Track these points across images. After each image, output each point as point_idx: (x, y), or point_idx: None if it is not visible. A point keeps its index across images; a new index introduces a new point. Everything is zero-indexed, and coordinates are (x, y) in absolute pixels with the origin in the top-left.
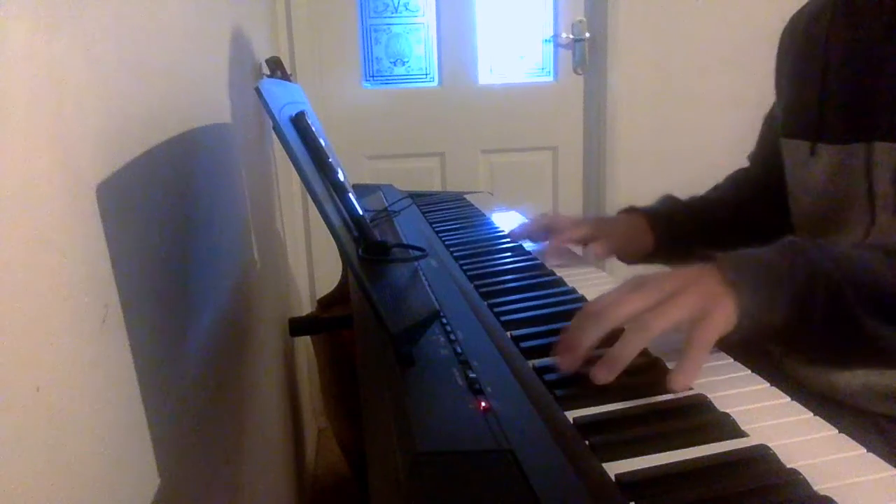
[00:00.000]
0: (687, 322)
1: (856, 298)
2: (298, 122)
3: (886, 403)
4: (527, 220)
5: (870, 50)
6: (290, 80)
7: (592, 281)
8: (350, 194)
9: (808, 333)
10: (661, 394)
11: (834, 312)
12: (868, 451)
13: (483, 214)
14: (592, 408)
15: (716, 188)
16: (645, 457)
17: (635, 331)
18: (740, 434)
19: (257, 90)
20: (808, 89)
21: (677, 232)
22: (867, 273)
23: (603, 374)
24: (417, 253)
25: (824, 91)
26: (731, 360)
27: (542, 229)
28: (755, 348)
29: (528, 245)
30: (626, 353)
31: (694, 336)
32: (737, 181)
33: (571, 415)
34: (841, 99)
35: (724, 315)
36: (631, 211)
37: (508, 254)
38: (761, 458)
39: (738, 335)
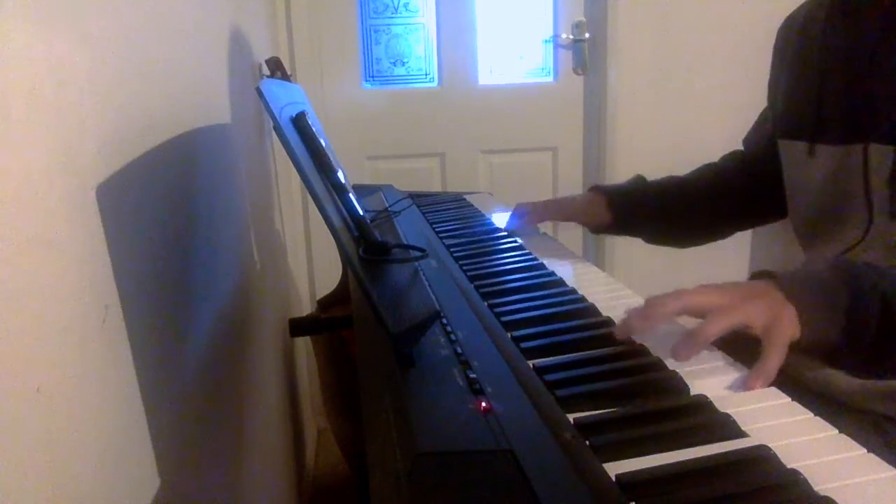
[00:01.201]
0: (759, 325)
1: None
2: (299, 122)
3: (886, 403)
4: (513, 218)
5: (867, 51)
6: (290, 81)
7: (592, 280)
8: (350, 194)
9: (862, 348)
10: (661, 394)
11: (887, 328)
12: (868, 451)
13: (483, 215)
14: (593, 408)
15: (705, 167)
16: (645, 457)
17: (719, 315)
18: (741, 434)
19: (258, 90)
20: (806, 90)
21: (634, 209)
22: None
23: (685, 351)
24: (417, 253)
25: (822, 92)
26: (732, 360)
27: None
28: (825, 360)
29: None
30: (709, 332)
31: (771, 337)
32: (725, 161)
33: (572, 415)
34: (839, 100)
35: (791, 323)
36: (596, 189)
37: (508, 254)
38: (762, 458)
39: (802, 346)
